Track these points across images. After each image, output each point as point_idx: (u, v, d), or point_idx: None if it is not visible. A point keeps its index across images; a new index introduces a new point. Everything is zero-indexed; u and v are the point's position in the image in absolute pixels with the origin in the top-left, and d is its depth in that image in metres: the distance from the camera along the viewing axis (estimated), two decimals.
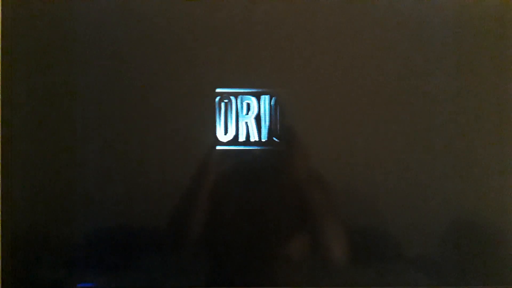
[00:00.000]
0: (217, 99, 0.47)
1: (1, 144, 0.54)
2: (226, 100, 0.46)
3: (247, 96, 0.48)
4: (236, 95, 0.47)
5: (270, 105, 0.47)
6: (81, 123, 0.51)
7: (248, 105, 0.47)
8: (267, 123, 0.47)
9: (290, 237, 0.54)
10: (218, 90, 0.47)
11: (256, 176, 0.52)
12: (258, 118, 0.47)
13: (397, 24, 0.55)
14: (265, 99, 0.47)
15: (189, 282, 0.54)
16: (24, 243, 0.55)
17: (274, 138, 0.48)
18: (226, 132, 0.47)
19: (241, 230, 0.53)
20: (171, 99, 0.49)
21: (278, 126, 0.48)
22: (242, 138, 0.47)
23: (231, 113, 0.47)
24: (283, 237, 0.54)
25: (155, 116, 0.49)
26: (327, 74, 0.52)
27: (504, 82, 0.57)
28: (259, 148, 0.48)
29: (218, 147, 0.47)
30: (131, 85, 0.50)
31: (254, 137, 0.47)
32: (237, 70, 0.49)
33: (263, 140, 0.47)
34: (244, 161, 0.51)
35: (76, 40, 0.51)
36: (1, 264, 0.55)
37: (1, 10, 0.53)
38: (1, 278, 0.54)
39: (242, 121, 0.47)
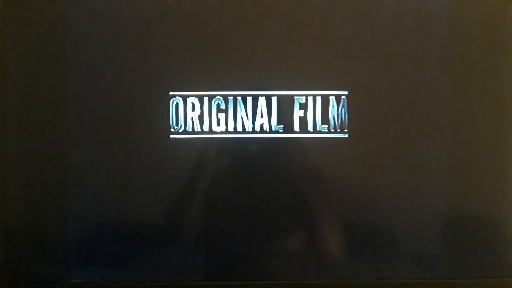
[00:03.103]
0: (171, 100, 0.62)
1: None
2: (177, 101, 0.62)
3: (192, 97, 0.62)
4: (185, 97, 0.62)
5: (210, 105, 0.62)
6: (67, 122, 0.59)
7: (193, 104, 0.62)
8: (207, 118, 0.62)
9: (287, 232, 0.57)
10: (171, 93, 0.61)
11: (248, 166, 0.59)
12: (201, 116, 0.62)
13: (387, 24, 0.59)
14: (205, 100, 0.62)
15: (183, 277, 0.57)
16: (17, 239, 0.56)
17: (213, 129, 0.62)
18: (177, 124, 0.62)
19: (237, 225, 0.57)
20: (136, 100, 0.61)
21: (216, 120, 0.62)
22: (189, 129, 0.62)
23: (180, 111, 0.62)
24: (280, 232, 0.57)
25: (123, 114, 0.61)
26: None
27: (501, 82, 0.58)
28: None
29: (171, 136, 0.62)
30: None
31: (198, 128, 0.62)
32: (187, 77, 0.62)
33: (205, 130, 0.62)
34: (236, 153, 0.58)
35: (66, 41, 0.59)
36: None
37: None
38: None
39: (189, 116, 0.62)
